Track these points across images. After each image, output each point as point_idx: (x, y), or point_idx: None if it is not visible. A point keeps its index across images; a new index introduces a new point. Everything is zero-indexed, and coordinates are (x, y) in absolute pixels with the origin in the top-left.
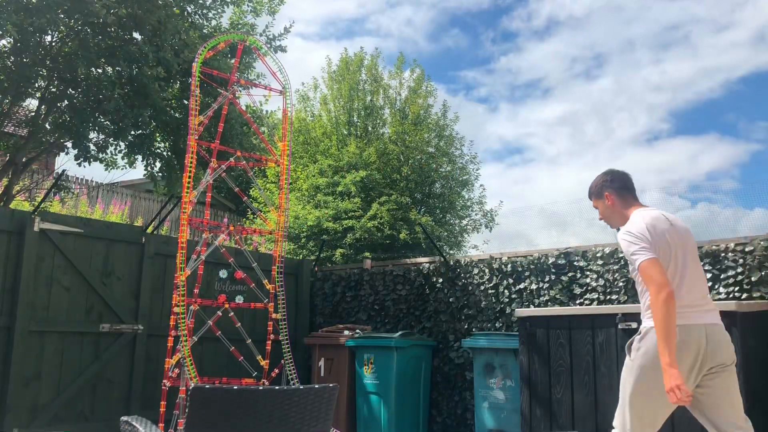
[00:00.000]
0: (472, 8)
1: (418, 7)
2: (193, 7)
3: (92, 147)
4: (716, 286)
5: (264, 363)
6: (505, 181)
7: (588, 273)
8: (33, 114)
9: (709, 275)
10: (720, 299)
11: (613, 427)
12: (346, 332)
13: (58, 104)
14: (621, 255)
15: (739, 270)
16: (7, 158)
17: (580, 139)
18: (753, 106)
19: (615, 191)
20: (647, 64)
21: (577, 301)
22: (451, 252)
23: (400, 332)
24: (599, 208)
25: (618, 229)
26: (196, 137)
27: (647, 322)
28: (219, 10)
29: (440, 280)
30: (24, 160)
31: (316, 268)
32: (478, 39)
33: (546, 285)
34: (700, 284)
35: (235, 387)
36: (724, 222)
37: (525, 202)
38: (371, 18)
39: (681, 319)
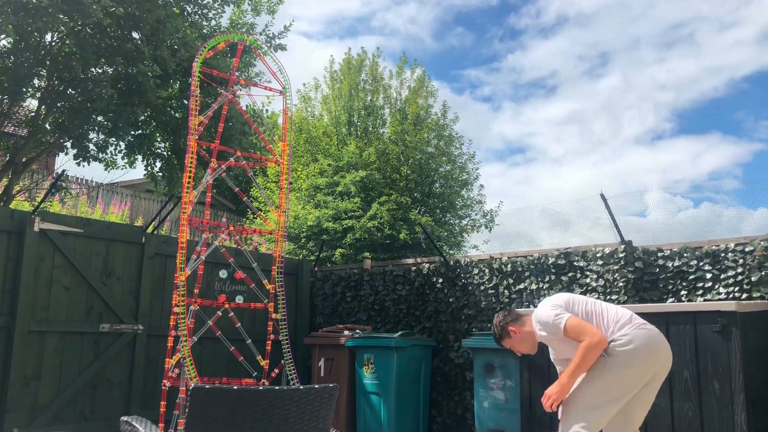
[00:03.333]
0: (479, 5)
1: (423, 4)
2: (192, 6)
3: (92, 147)
4: (716, 286)
5: (264, 363)
6: (507, 181)
7: (588, 273)
8: (33, 114)
9: (708, 275)
10: (720, 299)
11: None
12: (346, 332)
13: (58, 104)
14: (621, 255)
15: (739, 270)
16: (7, 158)
17: (585, 138)
18: (757, 105)
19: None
20: (651, 63)
21: None
22: (451, 252)
23: (400, 332)
24: (511, 343)
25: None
26: (196, 137)
27: None
28: (219, 10)
29: (440, 280)
30: (24, 160)
31: (316, 268)
32: (483, 37)
33: (546, 285)
34: None
35: (235, 387)
36: (726, 222)
37: (527, 202)
38: (377, 15)
39: None
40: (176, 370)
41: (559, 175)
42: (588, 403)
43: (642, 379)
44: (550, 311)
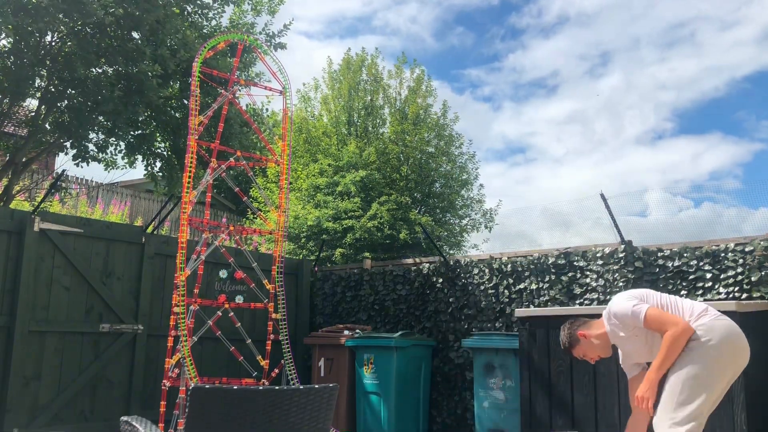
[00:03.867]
0: (480, 5)
1: (423, 4)
2: (192, 6)
3: (91, 147)
4: (716, 286)
5: (264, 363)
6: (507, 181)
7: (588, 273)
8: (33, 114)
9: (708, 275)
10: (720, 299)
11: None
12: (346, 332)
13: (58, 104)
14: (621, 255)
15: (739, 270)
16: (7, 158)
17: (586, 138)
18: (758, 104)
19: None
20: (652, 63)
21: (577, 301)
22: (451, 252)
23: (400, 332)
24: (582, 350)
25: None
26: (196, 137)
27: None
28: (219, 10)
29: (440, 280)
30: (24, 160)
31: (316, 268)
32: (483, 37)
33: (546, 285)
34: None
35: (235, 387)
36: (727, 222)
37: (527, 202)
38: (377, 15)
39: None
40: (176, 370)
41: (559, 175)
42: (681, 399)
43: (725, 371)
44: (626, 303)
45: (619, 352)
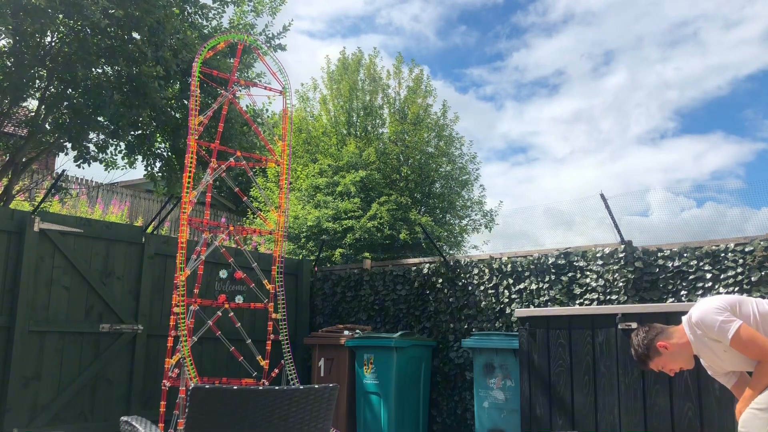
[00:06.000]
0: (485, 3)
1: (426, 2)
2: (192, 7)
3: (92, 147)
4: (716, 286)
5: (264, 363)
6: (509, 180)
7: (588, 273)
8: (33, 114)
9: (708, 275)
10: None
11: None
12: (346, 332)
13: (58, 105)
14: (621, 255)
15: (739, 270)
16: (7, 158)
17: (589, 137)
18: (762, 103)
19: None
20: (655, 62)
21: (577, 301)
22: (451, 252)
23: (400, 332)
24: (662, 362)
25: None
26: (196, 137)
27: None
28: (219, 11)
29: (440, 280)
30: (24, 160)
31: (315, 268)
32: (486, 36)
33: (546, 285)
34: None
35: (235, 387)
36: (730, 222)
37: (529, 202)
38: (380, 13)
39: None
40: (176, 370)
41: (561, 174)
42: None
43: None
44: (714, 315)
45: (701, 360)
